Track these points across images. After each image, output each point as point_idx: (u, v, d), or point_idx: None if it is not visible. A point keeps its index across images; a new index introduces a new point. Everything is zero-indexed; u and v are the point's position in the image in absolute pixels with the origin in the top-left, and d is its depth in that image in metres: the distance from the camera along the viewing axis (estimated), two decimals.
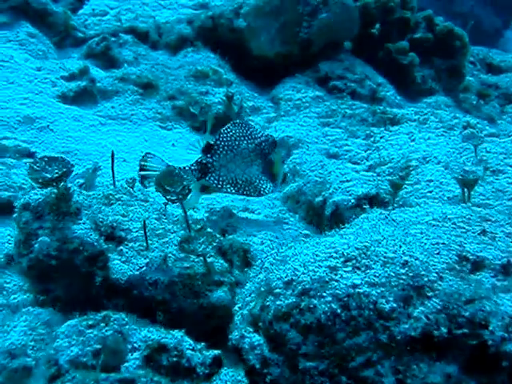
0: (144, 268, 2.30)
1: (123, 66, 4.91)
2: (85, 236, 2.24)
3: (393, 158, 3.56)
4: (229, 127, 3.17)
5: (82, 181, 3.38)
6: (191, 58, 4.94)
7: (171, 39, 5.66)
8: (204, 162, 3.11)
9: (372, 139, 3.84)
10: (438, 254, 1.85)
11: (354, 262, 1.77)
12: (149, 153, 3.05)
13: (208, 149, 3.09)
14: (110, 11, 6.22)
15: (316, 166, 3.57)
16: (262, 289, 1.86)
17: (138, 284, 2.27)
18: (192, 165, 3.11)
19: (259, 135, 3.22)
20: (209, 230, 2.52)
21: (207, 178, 3.11)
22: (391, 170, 3.47)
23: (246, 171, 3.18)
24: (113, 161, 2.71)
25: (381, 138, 3.81)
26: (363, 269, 1.75)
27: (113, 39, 5.43)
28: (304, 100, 4.65)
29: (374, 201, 3.16)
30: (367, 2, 5.38)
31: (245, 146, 3.17)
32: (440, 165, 3.33)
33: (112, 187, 2.64)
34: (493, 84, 6.46)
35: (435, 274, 1.76)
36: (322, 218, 3.35)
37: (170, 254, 2.38)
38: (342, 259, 1.79)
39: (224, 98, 4.35)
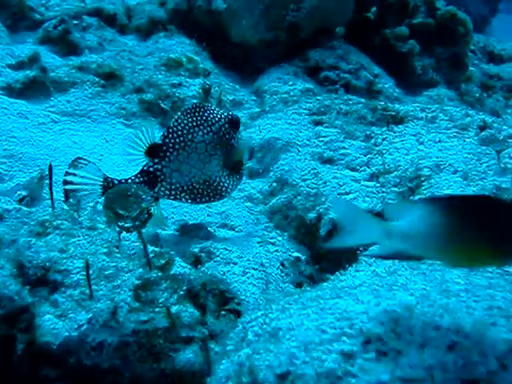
0: (85, 326, 1.72)
1: (84, 53, 4.28)
2: (1, 287, 1.64)
3: (399, 165, 3.00)
4: (179, 118, 2.56)
5: (24, 193, 2.77)
6: (163, 45, 4.32)
7: (141, 23, 5.03)
8: (151, 170, 2.51)
9: (373, 141, 3.27)
10: (493, 325, 1.30)
11: (378, 344, 1.20)
12: (81, 158, 2.42)
13: (154, 151, 2.48)
14: None
15: (308, 175, 3.00)
16: (244, 380, 1.29)
17: (77, 348, 1.69)
18: (136, 175, 2.50)
19: (217, 118, 2.60)
20: (175, 268, 1.94)
21: (156, 190, 2.52)
22: (398, 180, 2.91)
23: (203, 171, 2.59)
24: (51, 176, 2.11)
25: (383, 139, 3.25)
26: (392, 355, 1.19)
27: (74, 22, 4.78)
28: (292, 93, 4.06)
29: None
30: None
31: (200, 139, 2.56)
32: (457, 174, 2.78)
33: (50, 210, 2.04)
34: (495, 75, 5.92)
35: (495, 362, 1.20)
36: (317, 237, 2.79)
37: (122, 303, 1.79)
38: (360, 339, 1.23)
39: (200, 90, 3.75)
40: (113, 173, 2.94)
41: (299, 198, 2.92)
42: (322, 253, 2.74)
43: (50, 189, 2.11)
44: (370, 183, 2.95)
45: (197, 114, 2.55)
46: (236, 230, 2.87)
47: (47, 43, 4.31)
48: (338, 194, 2.81)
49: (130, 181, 2.47)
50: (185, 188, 2.56)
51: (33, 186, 2.80)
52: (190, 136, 2.53)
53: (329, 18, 4.52)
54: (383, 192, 2.86)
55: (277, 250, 2.76)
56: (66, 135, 3.27)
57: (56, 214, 1.98)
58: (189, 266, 2.28)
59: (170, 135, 2.53)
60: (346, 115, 3.55)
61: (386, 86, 4.47)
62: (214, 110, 2.62)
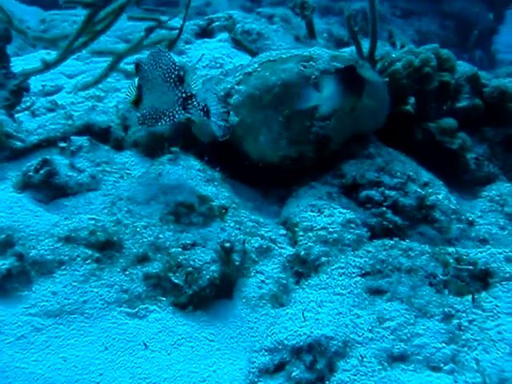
0: None
1: (74, 197, 3.57)
2: None
3: (503, 372, 2.18)
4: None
5: None
6: (167, 177, 3.56)
7: (141, 136, 4.33)
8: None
9: (455, 322, 2.46)
10: None
11: None
12: None
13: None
14: (58, 102, 4.89)
15: None
16: None
17: None
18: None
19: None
20: None
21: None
22: None
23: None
24: None
25: (470, 322, 2.44)
26: None
27: (62, 145, 4.10)
28: (331, 229, 3.28)
29: None
30: (395, 69, 4.04)
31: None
32: None
33: None
34: None
35: None
36: None
37: None
38: None
39: (220, 250, 2.98)
40: None
41: None
42: None
43: None
44: None
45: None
46: None
47: (29, 189, 3.60)
48: None
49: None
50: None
51: None
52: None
53: (362, 123, 3.76)
54: None
55: None
56: (53, 350, 2.50)
57: None
58: None
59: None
60: (410, 274, 2.76)
61: (440, 196, 3.67)
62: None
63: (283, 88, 3.68)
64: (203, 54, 5.99)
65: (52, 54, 7.63)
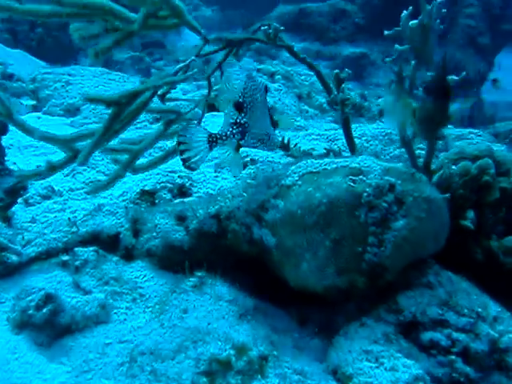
0: None
1: (81, 336, 2.99)
2: None
3: None
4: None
5: None
6: (195, 316, 2.99)
7: (156, 246, 3.78)
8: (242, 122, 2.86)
9: None
10: None
11: None
12: None
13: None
14: (54, 188, 4.32)
15: None
16: None
17: None
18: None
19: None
20: None
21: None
22: None
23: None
24: None
25: None
26: None
27: (64, 258, 3.58)
28: None
29: None
30: (450, 178, 3.55)
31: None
32: None
33: None
34: None
35: None
36: None
37: None
38: None
39: None
40: None
41: None
42: None
43: None
44: None
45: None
46: None
47: (28, 328, 3.01)
48: None
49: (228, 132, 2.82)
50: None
51: None
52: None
53: (421, 248, 3.23)
54: None
55: None
56: None
57: None
58: None
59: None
60: None
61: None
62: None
63: (330, 207, 3.15)
64: None
65: (44, 120, 7.06)
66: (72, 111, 7.53)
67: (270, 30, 3.70)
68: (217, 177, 4.90)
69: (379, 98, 8.95)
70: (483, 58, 15.04)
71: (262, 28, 3.75)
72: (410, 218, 3.15)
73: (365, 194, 3.15)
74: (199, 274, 3.29)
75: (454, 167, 3.41)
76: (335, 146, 4.71)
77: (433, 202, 3.22)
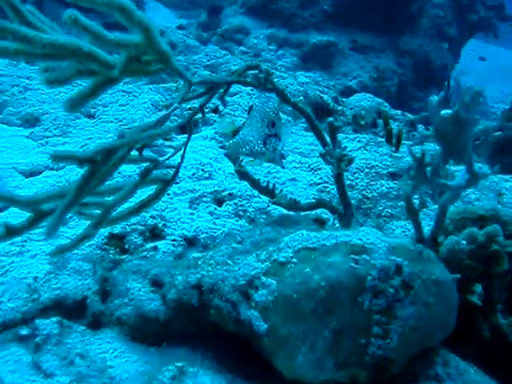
0: None
1: None
2: None
3: None
4: None
5: None
6: None
7: (127, 315, 3.37)
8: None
9: None
10: None
11: None
12: None
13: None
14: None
15: None
16: None
17: None
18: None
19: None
20: None
21: None
22: None
23: None
24: None
25: None
26: None
27: (21, 333, 3.14)
28: None
29: None
30: (456, 248, 3.22)
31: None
32: None
33: None
34: None
35: None
36: None
37: None
38: None
39: None
40: None
41: None
42: None
43: None
44: None
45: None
46: None
47: None
48: None
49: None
50: None
51: None
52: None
53: (430, 336, 2.90)
54: None
55: None
56: None
57: None
58: None
59: None
60: None
61: None
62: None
63: (330, 291, 2.78)
64: None
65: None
66: (31, 121, 6.90)
67: (261, 75, 3.28)
68: (192, 214, 4.47)
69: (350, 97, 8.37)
70: (450, 49, 14.79)
71: (251, 72, 3.34)
72: (418, 305, 2.81)
73: (369, 278, 2.79)
74: (179, 364, 2.88)
75: (463, 241, 3.07)
76: (323, 194, 4.34)
77: (442, 285, 2.89)
